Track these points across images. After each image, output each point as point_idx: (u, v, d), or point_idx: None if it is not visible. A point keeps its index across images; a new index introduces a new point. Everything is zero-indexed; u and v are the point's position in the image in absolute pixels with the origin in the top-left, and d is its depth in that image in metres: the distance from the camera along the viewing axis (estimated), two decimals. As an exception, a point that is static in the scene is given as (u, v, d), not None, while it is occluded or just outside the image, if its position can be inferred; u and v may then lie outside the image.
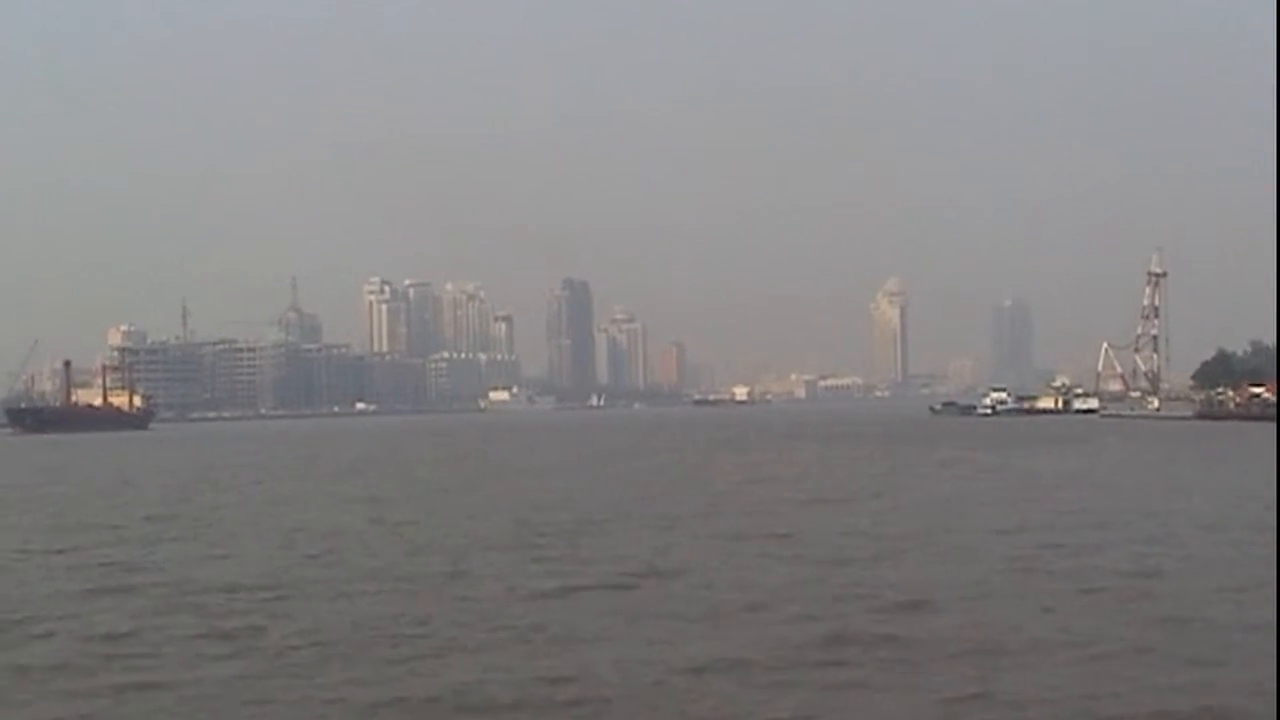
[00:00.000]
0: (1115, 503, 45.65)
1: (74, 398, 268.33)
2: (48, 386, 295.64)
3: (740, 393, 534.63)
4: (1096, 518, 40.12)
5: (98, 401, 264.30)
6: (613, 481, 65.96)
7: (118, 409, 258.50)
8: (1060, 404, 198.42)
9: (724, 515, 44.53)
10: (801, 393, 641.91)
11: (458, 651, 21.32)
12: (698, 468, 77.94)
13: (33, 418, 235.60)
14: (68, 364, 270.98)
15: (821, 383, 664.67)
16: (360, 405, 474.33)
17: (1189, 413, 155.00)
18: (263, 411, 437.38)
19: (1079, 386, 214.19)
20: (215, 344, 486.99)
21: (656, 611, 24.79)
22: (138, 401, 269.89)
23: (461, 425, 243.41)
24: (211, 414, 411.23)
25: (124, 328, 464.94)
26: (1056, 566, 29.55)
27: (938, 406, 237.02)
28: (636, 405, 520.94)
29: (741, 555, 32.86)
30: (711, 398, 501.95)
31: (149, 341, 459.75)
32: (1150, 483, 55.06)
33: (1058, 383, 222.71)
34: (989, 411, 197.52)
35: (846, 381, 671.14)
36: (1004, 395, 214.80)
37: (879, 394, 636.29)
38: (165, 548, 37.71)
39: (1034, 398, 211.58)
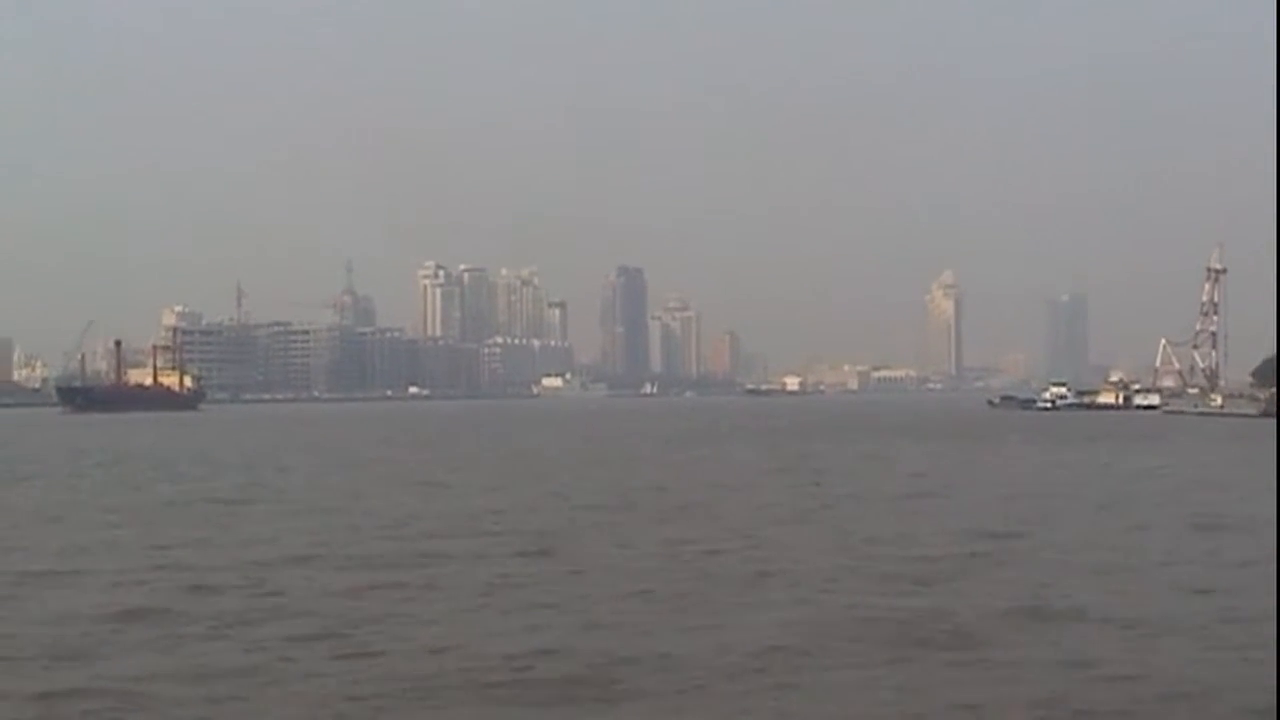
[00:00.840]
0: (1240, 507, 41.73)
1: (124, 377, 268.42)
2: (102, 366, 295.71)
3: (791, 383, 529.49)
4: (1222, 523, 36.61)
5: (148, 381, 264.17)
6: (697, 469, 63.36)
7: (167, 389, 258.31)
8: (1121, 399, 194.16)
9: (815, 510, 41.95)
10: (854, 384, 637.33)
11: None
12: (778, 457, 74.57)
13: (83, 396, 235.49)
14: (118, 344, 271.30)
15: (874, 374, 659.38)
16: (413, 389, 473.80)
17: (1253, 410, 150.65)
18: (316, 394, 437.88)
19: (1137, 382, 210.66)
20: (269, 326, 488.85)
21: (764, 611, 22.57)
22: (188, 382, 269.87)
23: (519, 411, 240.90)
24: (265, 396, 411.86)
25: (178, 309, 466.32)
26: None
27: (996, 400, 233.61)
28: (688, 394, 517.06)
29: (849, 557, 30.02)
30: (764, 388, 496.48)
31: (204, 323, 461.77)
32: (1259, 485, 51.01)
33: (1115, 378, 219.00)
34: (1049, 406, 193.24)
35: (900, 373, 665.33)
36: (1064, 390, 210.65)
37: (932, 386, 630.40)
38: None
39: (1094, 392, 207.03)
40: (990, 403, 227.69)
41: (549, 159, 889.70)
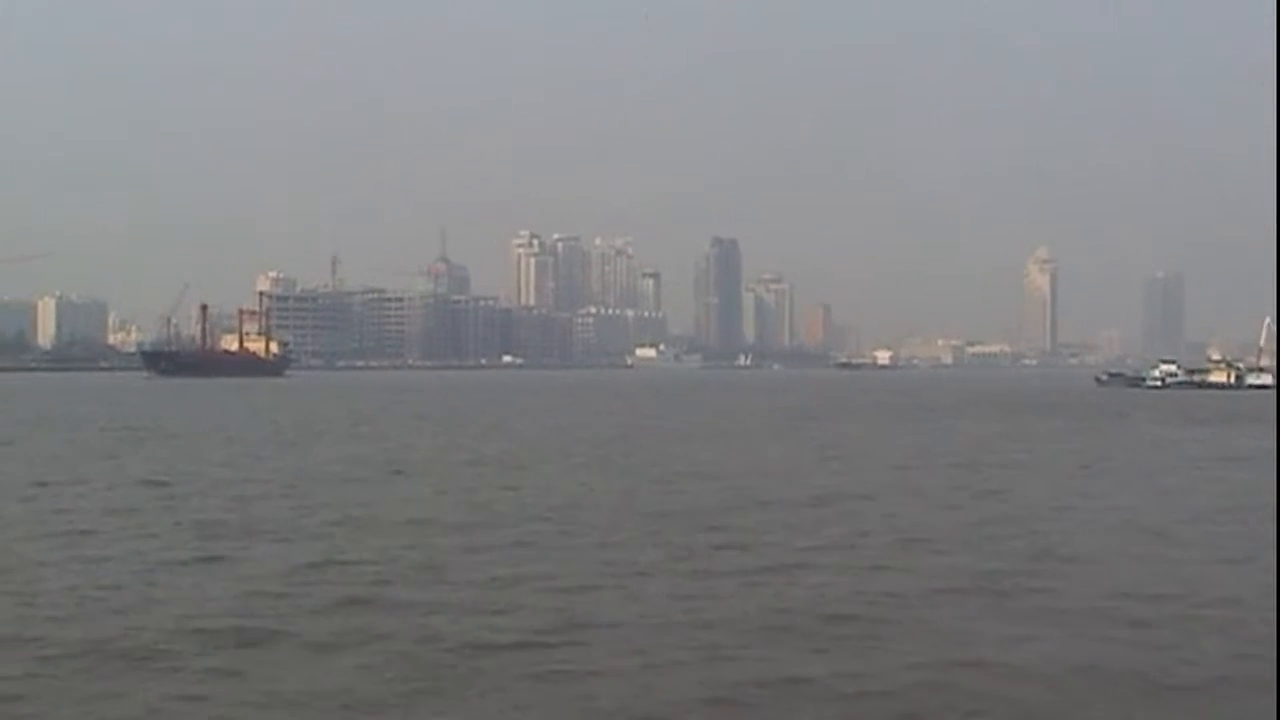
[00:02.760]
0: None
1: (216, 342, 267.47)
2: (197, 331, 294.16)
3: (883, 356, 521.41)
4: None
5: (234, 347, 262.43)
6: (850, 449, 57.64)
7: (253, 354, 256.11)
8: (1233, 378, 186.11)
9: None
10: (948, 358, 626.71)
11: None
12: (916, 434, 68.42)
13: (167, 361, 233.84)
14: (204, 308, 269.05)
15: (969, 349, 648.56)
16: (507, 358, 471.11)
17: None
18: (410, 362, 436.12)
19: (1240, 361, 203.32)
20: (364, 293, 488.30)
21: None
22: (274, 348, 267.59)
23: (621, 381, 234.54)
24: (359, 363, 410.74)
25: (273, 274, 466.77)
26: None
27: (1104, 377, 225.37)
28: (775, 366, 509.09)
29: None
30: (855, 361, 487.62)
31: (298, 289, 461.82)
32: None
33: (1216, 356, 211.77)
34: (1158, 384, 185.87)
35: (994, 349, 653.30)
36: (1173, 367, 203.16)
37: (1026, 362, 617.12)
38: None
39: (1205, 371, 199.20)
40: (1098, 380, 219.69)
41: (644, 130, 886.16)
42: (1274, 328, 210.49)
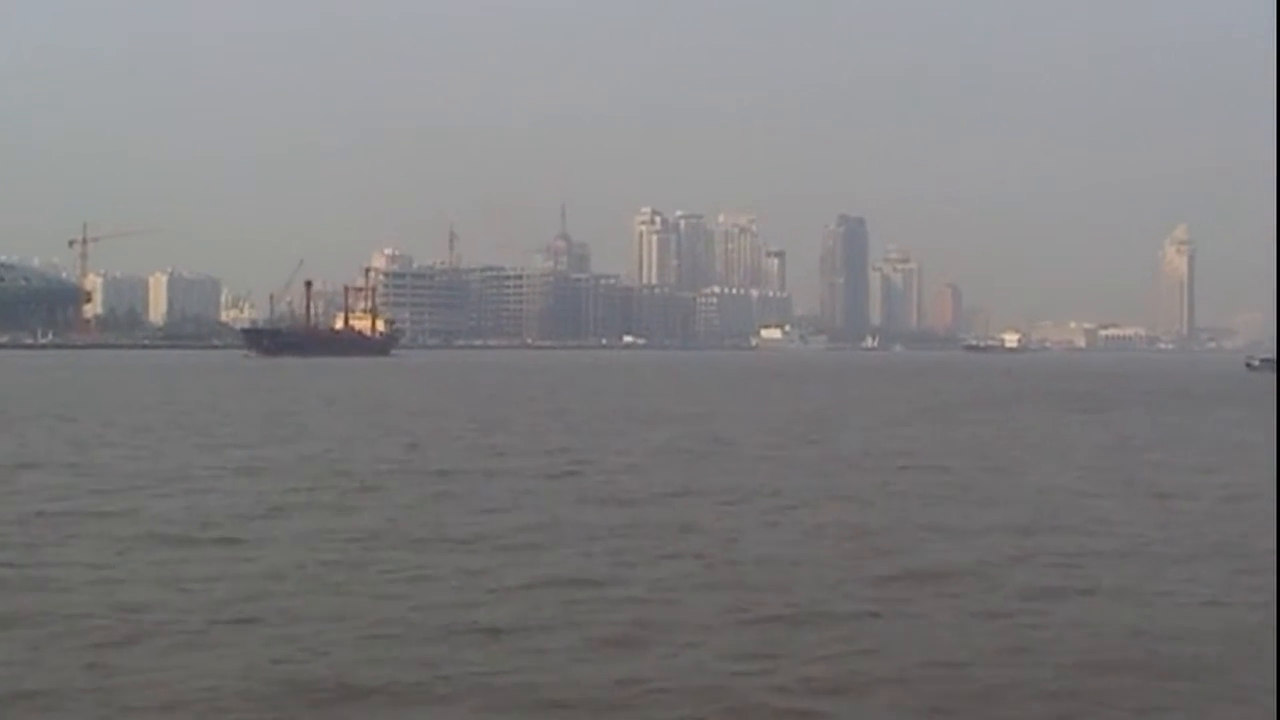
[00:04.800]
0: None
1: (320, 321, 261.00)
2: (313, 308, 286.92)
3: (1011, 339, 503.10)
4: None
5: (339, 325, 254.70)
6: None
7: (359, 333, 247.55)
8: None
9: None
10: (1081, 341, 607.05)
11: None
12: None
13: (270, 340, 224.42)
14: (308, 285, 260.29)
15: (1102, 332, 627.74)
16: (628, 338, 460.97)
17: None
18: (529, 341, 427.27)
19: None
20: (482, 270, 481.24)
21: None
22: (380, 326, 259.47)
23: (767, 365, 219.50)
24: (478, 342, 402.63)
25: (388, 251, 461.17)
26: None
27: (1255, 362, 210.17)
28: (896, 348, 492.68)
29: None
30: (983, 344, 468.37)
31: (415, 266, 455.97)
32: None
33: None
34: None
35: (1129, 332, 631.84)
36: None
37: (1163, 346, 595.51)
38: None
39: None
40: (1248, 364, 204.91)
41: (773, 110, 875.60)
42: None
